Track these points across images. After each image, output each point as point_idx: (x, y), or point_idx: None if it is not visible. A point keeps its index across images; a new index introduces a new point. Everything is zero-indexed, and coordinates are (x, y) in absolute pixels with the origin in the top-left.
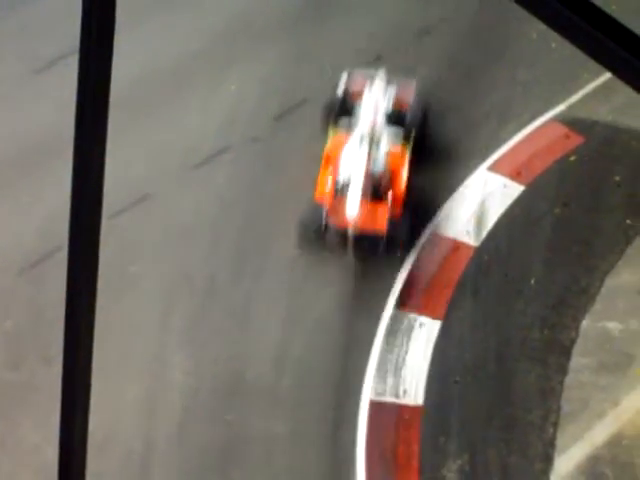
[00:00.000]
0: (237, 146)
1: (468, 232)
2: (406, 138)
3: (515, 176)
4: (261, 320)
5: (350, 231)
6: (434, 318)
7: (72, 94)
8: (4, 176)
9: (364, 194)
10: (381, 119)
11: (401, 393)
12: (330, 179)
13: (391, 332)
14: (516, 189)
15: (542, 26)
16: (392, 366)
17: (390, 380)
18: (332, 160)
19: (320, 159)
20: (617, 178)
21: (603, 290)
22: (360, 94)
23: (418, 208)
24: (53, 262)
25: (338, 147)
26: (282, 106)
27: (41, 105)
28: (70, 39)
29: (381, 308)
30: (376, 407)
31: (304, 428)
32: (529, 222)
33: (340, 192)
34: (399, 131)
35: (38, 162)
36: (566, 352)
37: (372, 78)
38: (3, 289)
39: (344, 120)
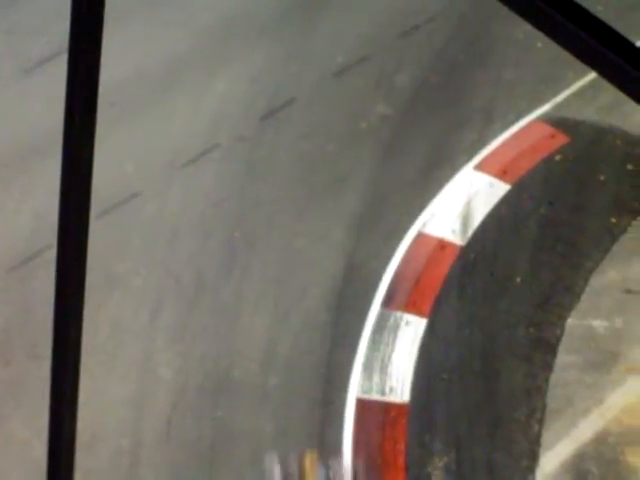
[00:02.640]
0: (225, 145)
1: (454, 231)
2: None
3: (501, 175)
4: (248, 319)
5: None
6: (420, 316)
7: (61, 94)
8: None
9: None
10: None
11: (387, 391)
12: None
13: (377, 330)
14: (502, 188)
15: (528, 26)
16: (378, 364)
17: (376, 378)
18: None
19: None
20: (602, 177)
21: (588, 288)
22: None
23: (403, 207)
24: (42, 260)
25: None
26: (270, 105)
27: (30, 104)
28: (59, 39)
29: (367, 307)
30: (362, 405)
31: (291, 425)
32: (515, 221)
33: None
34: None
35: (27, 161)
36: (551, 350)
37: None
38: None
39: None
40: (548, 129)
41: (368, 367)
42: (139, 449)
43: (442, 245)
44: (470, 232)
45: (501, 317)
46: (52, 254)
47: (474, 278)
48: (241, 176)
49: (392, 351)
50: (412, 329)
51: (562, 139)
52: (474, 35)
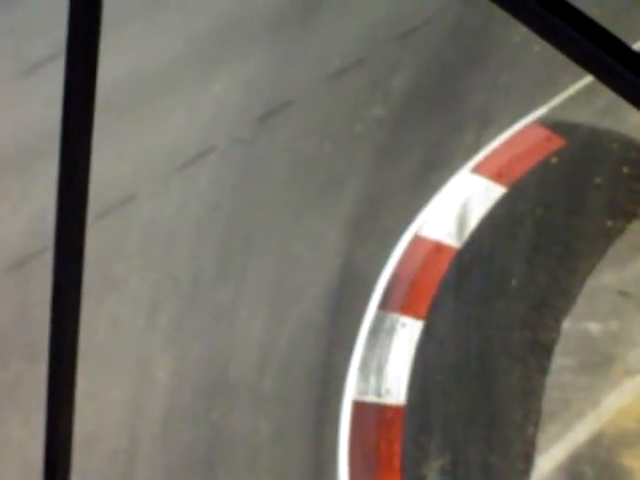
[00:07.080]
0: (221, 147)
1: (450, 234)
2: None
3: (497, 178)
4: (245, 321)
5: None
6: (416, 318)
7: (59, 95)
8: None
9: None
10: None
11: (383, 393)
12: None
13: (373, 332)
14: (498, 191)
15: (524, 29)
16: (374, 366)
17: (372, 380)
18: None
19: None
20: (598, 180)
21: (584, 291)
22: None
23: (399, 210)
24: (40, 262)
25: None
26: (267, 107)
27: (28, 106)
28: (57, 40)
29: (364, 309)
30: (358, 406)
31: (287, 427)
32: (510, 224)
33: None
34: None
35: (25, 163)
36: (547, 352)
37: None
38: None
39: None
40: (544, 132)
41: (364, 369)
42: (135, 450)
43: (438, 248)
44: (466, 235)
45: (497, 319)
46: (49, 256)
47: (470, 280)
48: (238, 178)
49: (388, 353)
50: (408, 331)
51: (558, 142)
52: (470, 38)
